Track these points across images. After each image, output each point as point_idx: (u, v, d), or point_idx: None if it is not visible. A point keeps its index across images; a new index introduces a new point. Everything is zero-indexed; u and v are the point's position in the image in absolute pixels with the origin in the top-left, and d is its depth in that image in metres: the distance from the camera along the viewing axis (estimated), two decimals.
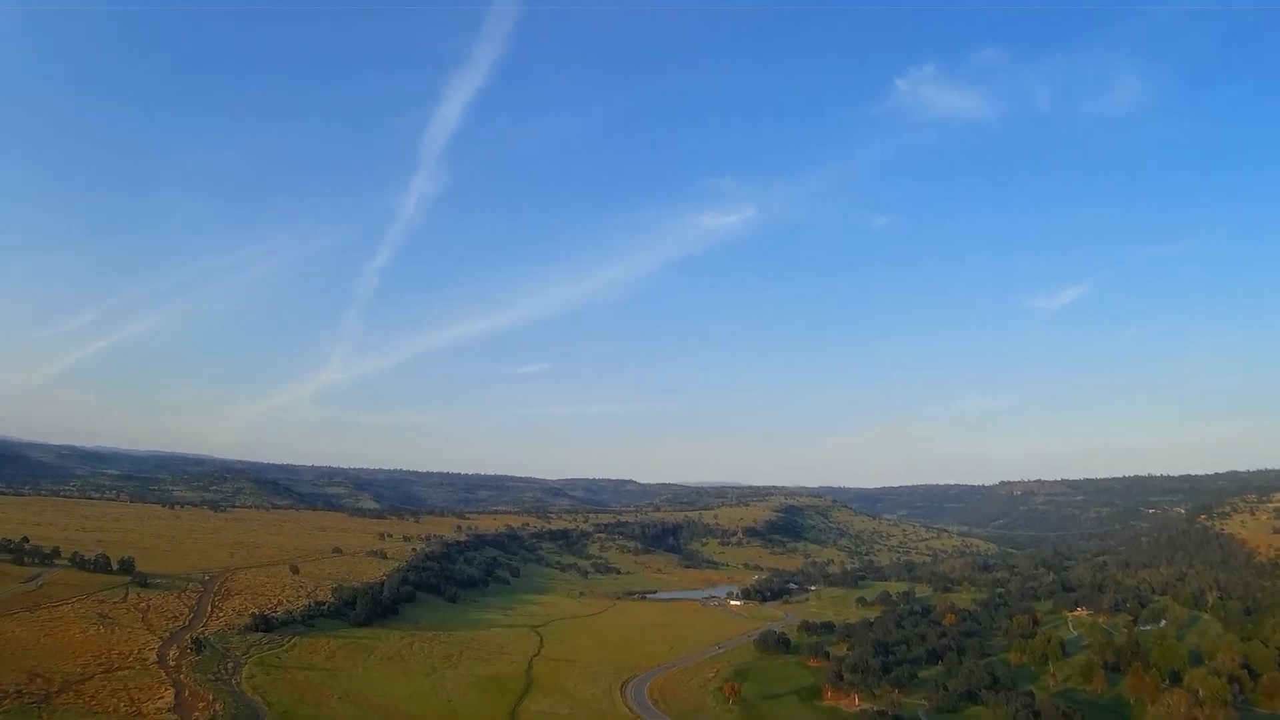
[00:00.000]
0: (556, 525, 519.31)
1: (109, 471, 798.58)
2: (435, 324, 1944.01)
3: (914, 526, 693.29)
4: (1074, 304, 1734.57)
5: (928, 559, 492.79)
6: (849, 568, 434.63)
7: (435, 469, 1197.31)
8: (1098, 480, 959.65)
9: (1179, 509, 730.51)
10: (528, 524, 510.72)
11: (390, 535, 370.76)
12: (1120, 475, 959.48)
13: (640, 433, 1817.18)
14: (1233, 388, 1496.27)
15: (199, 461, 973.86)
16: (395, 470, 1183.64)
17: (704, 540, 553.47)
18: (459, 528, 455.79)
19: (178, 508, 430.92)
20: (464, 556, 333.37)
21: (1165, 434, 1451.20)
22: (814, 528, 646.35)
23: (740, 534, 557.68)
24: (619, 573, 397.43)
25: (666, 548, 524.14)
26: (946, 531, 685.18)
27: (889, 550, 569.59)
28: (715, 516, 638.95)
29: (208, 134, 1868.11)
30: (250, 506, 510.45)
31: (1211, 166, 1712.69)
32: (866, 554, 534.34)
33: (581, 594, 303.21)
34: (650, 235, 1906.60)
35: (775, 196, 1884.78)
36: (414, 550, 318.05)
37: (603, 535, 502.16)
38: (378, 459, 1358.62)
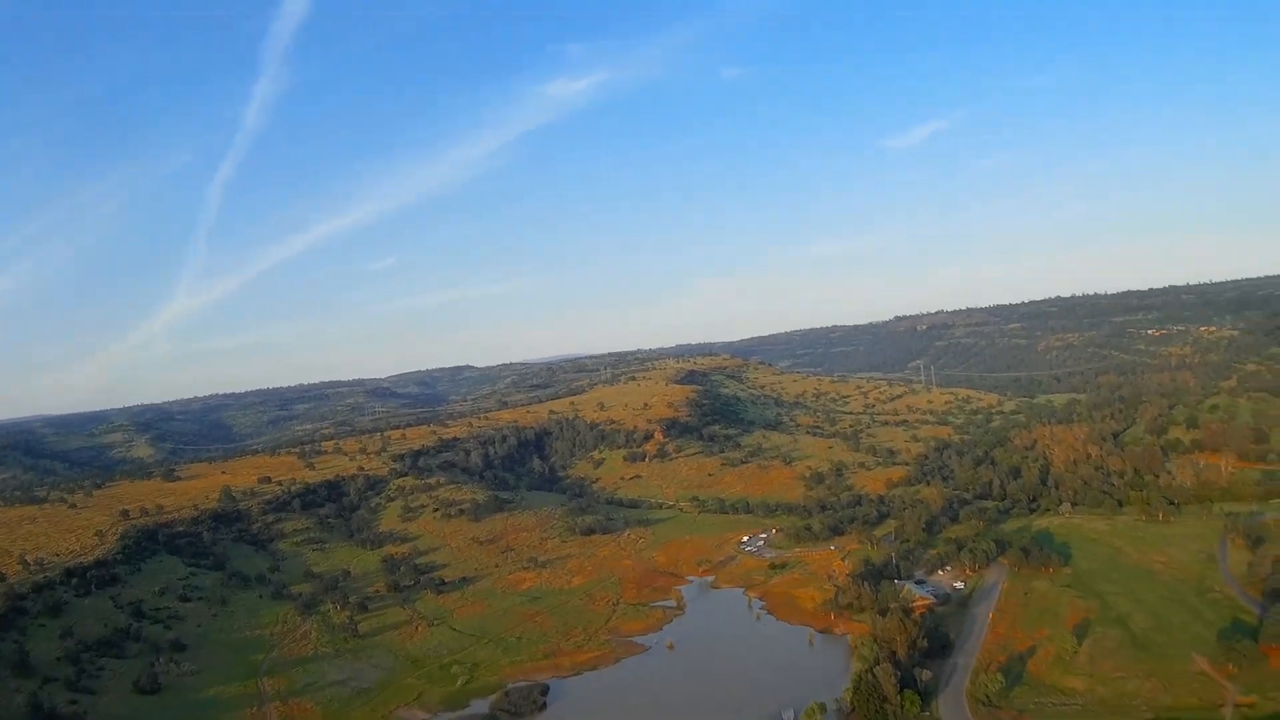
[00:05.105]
0: (324, 473, 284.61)
1: None
2: (285, 233, 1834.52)
3: (870, 382, 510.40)
4: (929, 139, 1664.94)
5: (973, 427, 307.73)
6: (908, 483, 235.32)
7: (254, 387, 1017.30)
8: (1018, 305, 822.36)
9: (1153, 330, 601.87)
10: (282, 480, 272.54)
11: None
12: (1031, 299, 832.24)
13: (482, 318, 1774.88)
14: (1100, 212, 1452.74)
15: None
16: (210, 396, 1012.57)
17: (597, 453, 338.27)
18: (129, 512, 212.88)
19: None
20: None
21: (1046, 257, 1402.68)
22: (746, 401, 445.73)
23: (659, 432, 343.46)
24: (440, 586, 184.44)
25: (534, 480, 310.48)
26: (910, 383, 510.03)
27: (873, 422, 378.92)
28: (599, 405, 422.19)
29: (49, 72, 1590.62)
30: None
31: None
32: (858, 435, 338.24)
33: None
34: (495, 110, 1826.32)
35: (626, 59, 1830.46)
36: None
37: (410, 477, 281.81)
38: (240, 382, 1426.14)
